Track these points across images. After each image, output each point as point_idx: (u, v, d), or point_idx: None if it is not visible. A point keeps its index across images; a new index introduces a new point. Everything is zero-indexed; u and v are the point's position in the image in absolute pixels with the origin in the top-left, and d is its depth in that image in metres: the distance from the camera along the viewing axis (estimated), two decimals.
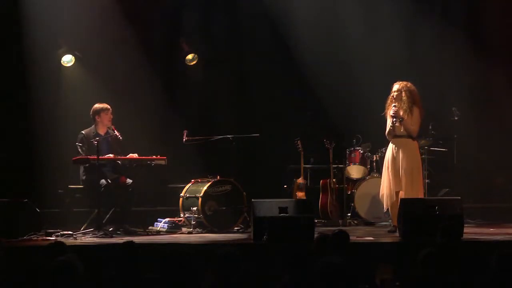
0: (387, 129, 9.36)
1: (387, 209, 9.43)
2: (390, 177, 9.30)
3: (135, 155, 9.77)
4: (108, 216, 9.57)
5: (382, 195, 9.40)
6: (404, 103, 9.26)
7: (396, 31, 11.54)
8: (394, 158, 9.31)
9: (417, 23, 11.69)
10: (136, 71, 11.35)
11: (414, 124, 9.30)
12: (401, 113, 9.27)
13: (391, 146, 9.40)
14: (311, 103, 11.67)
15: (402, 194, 9.18)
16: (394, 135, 9.36)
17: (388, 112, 9.33)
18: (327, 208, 10.86)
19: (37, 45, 10.89)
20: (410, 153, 9.30)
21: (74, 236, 9.06)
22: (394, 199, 9.20)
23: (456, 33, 11.70)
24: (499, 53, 11.76)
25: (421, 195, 9.30)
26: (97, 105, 9.93)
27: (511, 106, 11.46)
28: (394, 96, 9.33)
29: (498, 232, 9.34)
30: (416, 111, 9.29)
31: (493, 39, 11.80)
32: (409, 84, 9.34)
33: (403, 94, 9.28)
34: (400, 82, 9.36)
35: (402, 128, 9.28)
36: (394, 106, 9.28)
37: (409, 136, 9.33)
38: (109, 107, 9.90)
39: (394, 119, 9.25)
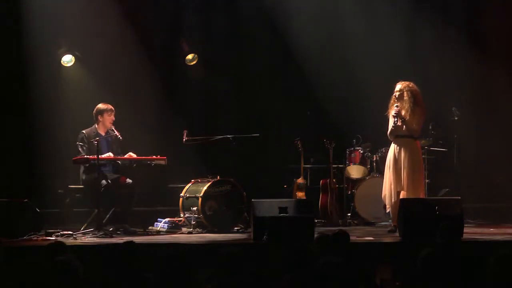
0: (389, 129, 9.35)
1: (389, 209, 9.40)
2: (391, 177, 9.29)
3: (134, 155, 9.77)
4: (108, 216, 9.57)
5: (385, 195, 9.39)
6: (406, 103, 9.26)
7: (396, 31, 11.54)
8: (396, 158, 9.30)
9: (417, 23, 11.69)
10: (136, 71, 11.36)
11: (416, 124, 9.29)
12: (403, 113, 9.27)
13: (393, 146, 9.40)
14: (311, 103, 11.66)
15: (403, 194, 9.17)
16: (396, 135, 9.35)
17: (390, 112, 9.33)
18: (327, 208, 10.86)
19: (37, 45, 10.89)
20: (412, 153, 9.29)
21: (74, 236, 9.06)
22: (396, 199, 9.19)
23: (456, 33, 11.71)
24: (499, 53, 11.76)
25: (422, 195, 9.29)
26: (101, 105, 9.93)
27: (511, 106, 11.46)
28: (396, 96, 9.32)
29: (498, 232, 9.34)
30: (418, 111, 9.28)
31: (493, 39, 11.80)
32: (411, 84, 9.33)
33: (405, 94, 9.27)
34: (403, 82, 9.36)
35: (404, 128, 9.28)
36: (396, 106, 9.27)
37: (411, 136, 9.33)
38: (112, 108, 9.90)
39: (396, 119, 9.24)
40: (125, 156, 9.79)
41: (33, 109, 11.04)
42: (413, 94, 9.28)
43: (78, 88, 11.29)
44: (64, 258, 5.21)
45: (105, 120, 9.86)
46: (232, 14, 11.93)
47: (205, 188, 9.85)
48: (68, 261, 5.16)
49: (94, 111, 9.93)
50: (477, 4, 11.93)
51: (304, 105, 11.62)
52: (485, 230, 9.66)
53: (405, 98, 9.28)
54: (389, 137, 9.44)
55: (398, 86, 9.36)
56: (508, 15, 11.68)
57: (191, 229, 9.79)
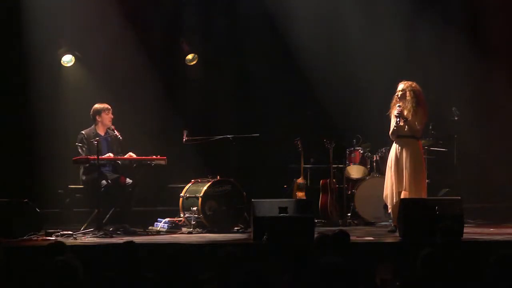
0: (391, 129, 9.34)
1: (390, 209, 9.38)
2: (393, 178, 9.28)
3: (134, 155, 9.77)
4: (108, 216, 9.57)
5: (386, 195, 9.37)
6: (408, 103, 9.24)
7: (396, 31, 11.54)
8: (398, 158, 9.29)
9: (417, 23, 11.69)
10: (136, 71, 11.35)
11: (418, 124, 9.28)
12: (405, 113, 9.25)
13: (394, 146, 9.38)
14: (311, 103, 11.67)
15: (405, 194, 9.16)
16: (397, 135, 9.34)
17: (393, 111, 9.32)
18: (327, 208, 10.86)
19: (37, 45, 10.89)
20: (414, 153, 9.27)
21: (74, 236, 9.06)
22: (397, 199, 9.17)
23: (456, 33, 11.71)
24: (499, 53, 11.75)
25: (424, 195, 9.27)
26: (97, 105, 9.94)
27: (511, 106, 11.46)
28: (399, 96, 9.30)
29: (498, 232, 9.34)
30: (420, 111, 9.26)
31: (493, 39, 11.80)
32: (413, 84, 9.31)
33: (408, 94, 9.26)
34: (405, 82, 9.34)
35: (406, 128, 9.27)
36: (399, 106, 9.26)
37: (413, 136, 9.31)
38: (109, 107, 9.91)
39: (398, 119, 9.23)
40: (125, 156, 9.79)
41: (33, 109, 11.04)
42: (415, 94, 9.27)
43: (78, 88, 11.29)
44: (64, 258, 5.20)
45: (104, 119, 9.86)
46: (232, 14, 11.93)
47: (205, 188, 9.85)
48: (67, 261, 5.15)
49: (91, 112, 9.93)
50: (477, 4, 11.93)
51: (304, 105, 11.62)
52: (485, 230, 9.65)
53: (408, 98, 9.26)
54: (391, 137, 9.42)
55: (401, 85, 9.34)
56: (508, 15, 11.67)
57: (191, 229, 9.79)
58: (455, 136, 11.12)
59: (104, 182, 9.56)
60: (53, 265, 5.12)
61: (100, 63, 11.27)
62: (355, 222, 10.86)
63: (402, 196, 9.12)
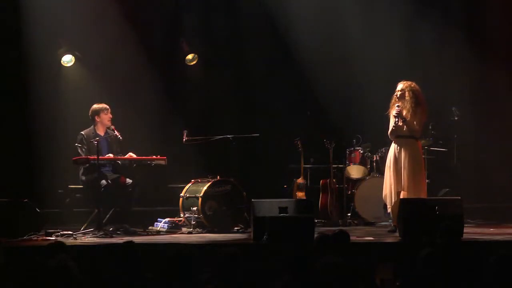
0: (390, 129, 9.33)
1: (390, 209, 9.39)
2: (392, 177, 9.28)
3: (134, 155, 9.77)
4: (108, 216, 9.57)
5: (385, 195, 9.37)
6: (407, 103, 9.23)
7: (396, 31, 11.54)
8: (396, 158, 9.29)
9: (417, 23, 11.69)
10: (136, 71, 11.35)
11: (417, 124, 9.27)
12: (404, 113, 9.25)
13: (393, 146, 9.38)
14: (311, 103, 11.67)
15: (404, 194, 9.16)
16: (396, 135, 9.33)
17: (392, 111, 9.31)
18: (327, 208, 10.86)
19: (37, 45, 10.89)
20: (413, 153, 9.27)
21: (74, 236, 9.06)
22: (396, 199, 9.17)
23: (456, 33, 11.71)
24: (499, 53, 11.76)
25: (423, 195, 9.27)
26: (95, 106, 9.92)
27: (511, 106, 11.46)
28: (398, 96, 9.30)
29: (498, 232, 9.34)
30: (419, 111, 9.25)
31: (493, 39, 11.80)
32: (413, 84, 9.31)
33: (407, 93, 9.25)
34: (404, 82, 9.33)
35: (404, 128, 9.26)
36: (397, 106, 9.26)
37: (412, 136, 9.31)
38: (107, 106, 9.90)
39: (397, 119, 9.22)
40: (125, 156, 9.79)
41: (33, 110, 11.04)
42: (414, 94, 9.26)
43: (78, 88, 11.29)
44: (57, 261, 5.16)
45: (103, 119, 9.85)
46: (232, 14, 11.93)
47: (205, 188, 9.85)
48: (61, 263, 5.11)
49: (89, 113, 9.92)
50: (477, 4, 11.93)
51: (304, 105, 11.61)
52: (485, 230, 9.66)
53: (407, 98, 9.26)
54: (389, 137, 9.42)
55: (400, 85, 9.33)
56: (508, 15, 11.67)
57: (191, 229, 9.79)
58: (455, 136, 11.13)
59: (104, 182, 9.56)
60: (47, 267, 5.10)
61: (100, 63, 11.28)
62: (355, 222, 10.86)
63: (401, 196, 9.13)
